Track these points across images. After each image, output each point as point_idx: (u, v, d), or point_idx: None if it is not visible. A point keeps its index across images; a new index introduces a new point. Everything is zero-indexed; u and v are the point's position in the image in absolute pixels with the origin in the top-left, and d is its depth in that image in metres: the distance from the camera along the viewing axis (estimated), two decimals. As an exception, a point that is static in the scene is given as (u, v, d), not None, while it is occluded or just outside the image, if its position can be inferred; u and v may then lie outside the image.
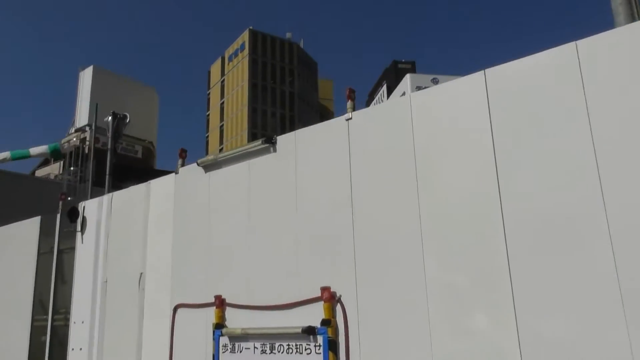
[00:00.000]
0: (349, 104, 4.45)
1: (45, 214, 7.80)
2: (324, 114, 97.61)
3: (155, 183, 6.04)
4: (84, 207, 6.88)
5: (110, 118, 7.85)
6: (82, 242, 6.78)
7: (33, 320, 7.30)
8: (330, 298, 4.11)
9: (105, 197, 6.65)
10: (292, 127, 76.36)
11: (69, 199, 17.82)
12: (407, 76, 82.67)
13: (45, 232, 7.64)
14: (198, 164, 5.43)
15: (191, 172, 5.59)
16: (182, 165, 5.78)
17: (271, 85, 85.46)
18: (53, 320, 7.02)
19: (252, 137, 78.90)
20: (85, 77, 35.07)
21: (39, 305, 7.45)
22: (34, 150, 10.67)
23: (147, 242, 5.86)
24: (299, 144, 4.68)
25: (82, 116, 32.32)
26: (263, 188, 4.86)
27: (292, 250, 4.47)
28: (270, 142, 4.87)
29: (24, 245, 7.75)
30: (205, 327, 4.96)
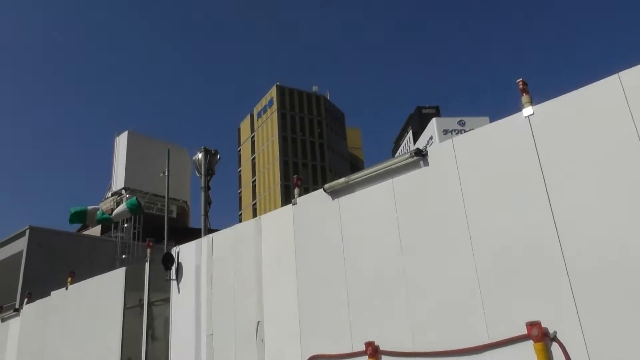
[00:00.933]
0: (525, 98, 3.69)
1: (130, 265, 7.15)
2: (354, 162, 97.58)
3: (268, 217, 5.34)
4: (178, 252, 6.20)
5: (201, 155, 7.37)
6: (179, 292, 6.05)
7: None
8: (543, 336, 3.21)
9: (204, 240, 5.96)
10: (324, 178, 76.16)
11: (124, 256, 17.36)
12: (433, 120, 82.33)
13: (131, 285, 6.96)
14: (325, 190, 4.71)
15: (313, 200, 4.88)
16: (299, 194, 5.09)
17: (301, 137, 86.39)
18: None
19: (285, 189, 78.94)
20: (121, 142, 35.86)
21: (126, 365, 6.67)
22: (118, 211, 10.45)
23: (262, 285, 5.08)
24: (460, 150, 3.92)
25: (118, 179, 32.70)
26: (415, 206, 4.09)
27: (469, 277, 3.62)
28: (421, 154, 4.14)
29: (108, 300, 7.07)
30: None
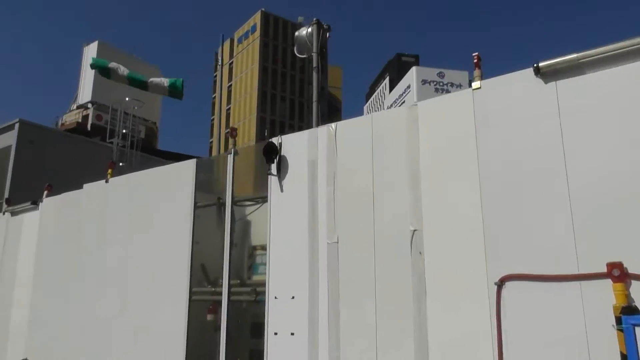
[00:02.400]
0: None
1: (201, 158, 5.98)
2: (332, 102, 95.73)
3: (430, 105, 4.24)
4: (280, 142, 5.05)
5: (311, 29, 6.11)
6: (282, 191, 4.97)
7: (191, 293, 5.48)
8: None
9: (322, 130, 4.83)
10: (301, 115, 74.49)
11: (121, 164, 15.92)
12: (414, 69, 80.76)
13: (202, 181, 5.81)
14: (538, 70, 3.64)
15: (509, 83, 3.82)
16: (481, 77, 4.00)
17: (282, 69, 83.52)
18: (230, 294, 5.20)
19: (261, 120, 76.99)
20: (90, 53, 33.38)
21: (199, 273, 5.63)
22: (155, 81, 8.67)
23: (420, 187, 4.07)
24: None
25: (85, 92, 30.53)
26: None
27: None
28: None
29: (172, 197, 5.91)
30: (580, 310, 3.22)
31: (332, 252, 4.48)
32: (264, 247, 5.43)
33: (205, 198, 5.81)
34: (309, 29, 6.41)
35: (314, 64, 5.93)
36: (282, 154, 5.02)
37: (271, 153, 4.96)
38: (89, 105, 27.99)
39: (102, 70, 8.80)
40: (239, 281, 5.38)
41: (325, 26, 6.30)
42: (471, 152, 3.86)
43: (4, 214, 8.57)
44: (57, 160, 14.42)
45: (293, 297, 4.63)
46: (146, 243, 6.09)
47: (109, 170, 6.98)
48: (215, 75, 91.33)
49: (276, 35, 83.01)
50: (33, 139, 14.25)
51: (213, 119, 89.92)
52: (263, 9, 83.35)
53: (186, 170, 5.84)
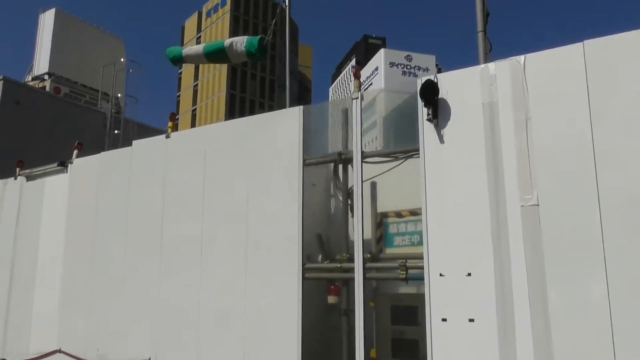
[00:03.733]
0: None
1: (310, 105, 4.84)
2: (302, 81, 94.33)
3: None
4: (435, 82, 4.01)
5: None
6: (442, 141, 3.96)
7: (304, 270, 4.42)
8: None
9: (500, 64, 3.82)
10: (272, 92, 73.13)
11: (116, 132, 14.40)
12: (382, 51, 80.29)
13: (311, 133, 4.72)
14: None
15: None
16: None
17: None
18: (365, 270, 4.16)
19: (231, 98, 74.78)
20: (47, 21, 31.02)
21: (312, 246, 4.58)
22: (231, 44, 7.00)
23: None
24: None
25: (41, 63, 28.28)
26: None
27: None
28: None
29: (271, 154, 4.79)
30: None
31: (529, 217, 3.53)
32: (398, 214, 4.44)
33: (314, 154, 4.73)
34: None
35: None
36: (440, 96, 4.00)
37: (430, 94, 3.93)
38: (46, 77, 25.77)
39: (177, 60, 7.46)
40: (369, 255, 4.35)
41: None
42: None
43: (15, 178, 7.17)
44: (45, 125, 12.80)
45: (469, 274, 3.67)
46: (233, 209, 4.96)
47: (170, 124, 5.76)
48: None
49: (247, 10, 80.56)
50: (19, 100, 12.53)
51: (179, 95, 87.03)
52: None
53: (290, 120, 4.72)
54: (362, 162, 4.32)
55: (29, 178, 7.02)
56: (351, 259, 4.37)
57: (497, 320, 3.52)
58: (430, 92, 3.92)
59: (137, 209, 5.69)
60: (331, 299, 4.38)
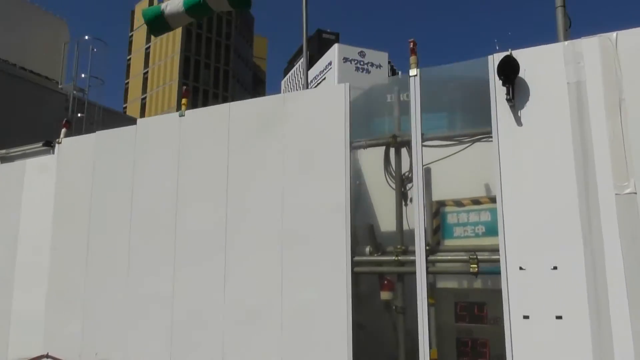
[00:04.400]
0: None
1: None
2: (257, 73, 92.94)
3: None
4: (508, 60, 3.65)
5: None
6: (520, 124, 3.62)
7: (353, 263, 3.97)
8: None
9: (587, 41, 3.52)
10: (225, 82, 71.56)
11: (80, 115, 13.26)
12: (336, 46, 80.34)
13: (361, 114, 4.28)
14: None
15: None
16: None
17: (206, 34, 79.31)
18: (429, 262, 3.76)
19: (182, 87, 72.63)
20: None
21: (365, 236, 4.13)
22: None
23: None
24: None
25: None
26: None
27: None
28: None
29: (315, 134, 4.30)
30: None
31: (626, 206, 3.25)
32: (458, 203, 4.08)
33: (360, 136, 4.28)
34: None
35: None
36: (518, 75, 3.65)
37: (510, 71, 3.57)
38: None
39: (155, 24, 6.55)
40: (427, 247, 3.96)
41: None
42: None
43: (-14, 159, 6.28)
44: (2, 104, 11.57)
45: (555, 268, 3.36)
46: (263, 196, 4.43)
47: (184, 100, 5.14)
48: (131, 35, 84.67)
49: (200, -5, 78.25)
50: (-28, 77, 11.22)
51: (127, 82, 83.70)
52: (187, -33, 77.96)
53: (335, 98, 4.24)
54: (422, 145, 3.92)
55: (4, 159, 6.16)
56: (407, 252, 3.98)
57: (590, 318, 3.22)
58: (509, 69, 3.57)
59: (144, 195, 5.05)
60: (385, 295, 3.96)
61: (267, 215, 4.39)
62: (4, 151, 6.11)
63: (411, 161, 3.96)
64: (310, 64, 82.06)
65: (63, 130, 5.79)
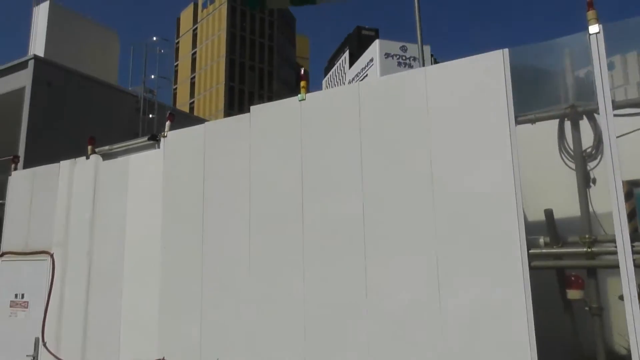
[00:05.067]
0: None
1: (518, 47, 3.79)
2: (300, 73, 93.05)
3: None
4: None
5: None
6: None
7: (530, 257, 3.40)
8: None
9: None
10: (270, 83, 71.86)
11: (151, 116, 13.23)
12: (377, 42, 79.10)
13: (526, 85, 3.69)
14: None
15: None
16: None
17: (250, 37, 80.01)
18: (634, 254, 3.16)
19: (229, 90, 73.49)
20: (41, 14, 30.15)
21: (542, 225, 3.56)
22: None
23: None
24: None
25: (37, 54, 27.38)
26: None
27: None
28: None
29: (469, 109, 3.76)
30: None
31: None
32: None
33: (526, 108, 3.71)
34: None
35: None
36: None
37: None
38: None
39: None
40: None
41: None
42: None
43: (87, 157, 6.07)
44: (78, 107, 11.62)
45: None
46: (407, 181, 3.93)
47: (303, 83, 4.71)
48: (178, 42, 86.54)
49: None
50: (51, 80, 11.32)
51: (175, 88, 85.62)
52: (230, -28, 79.05)
53: (493, 66, 3.68)
54: (612, 114, 3.30)
55: (106, 156, 5.93)
56: (595, 242, 3.37)
57: None
58: None
59: (264, 184, 4.64)
60: (573, 294, 3.37)
61: (414, 204, 3.88)
62: (106, 147, 5.87)
63: (595, 134, 3.35)
64: (351, 62, 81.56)
65: (167, 124, 5.49)
